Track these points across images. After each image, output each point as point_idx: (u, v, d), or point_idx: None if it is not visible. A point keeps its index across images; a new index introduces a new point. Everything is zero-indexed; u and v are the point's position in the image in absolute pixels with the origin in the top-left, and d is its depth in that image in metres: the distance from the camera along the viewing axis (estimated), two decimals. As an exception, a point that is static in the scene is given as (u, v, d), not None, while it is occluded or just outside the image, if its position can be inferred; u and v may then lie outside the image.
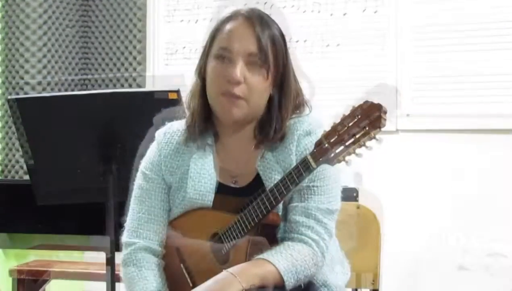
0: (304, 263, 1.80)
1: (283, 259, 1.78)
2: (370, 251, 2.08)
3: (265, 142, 1.89)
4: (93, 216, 2.06)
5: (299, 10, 3.64)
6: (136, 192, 1.99)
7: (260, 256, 1.79)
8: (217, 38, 1.86)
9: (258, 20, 1.84)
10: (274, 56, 1.84)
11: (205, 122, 1.92)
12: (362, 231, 1.99)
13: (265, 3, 3.64)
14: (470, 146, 3.33)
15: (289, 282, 1.78)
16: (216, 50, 1.85)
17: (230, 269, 1.75)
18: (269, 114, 1.88)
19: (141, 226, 1.96)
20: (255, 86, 1.84)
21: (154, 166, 1.96)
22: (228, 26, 1.85)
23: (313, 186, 1.85)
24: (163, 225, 1.96)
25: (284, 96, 1.88)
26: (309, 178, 1.80)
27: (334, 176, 1.88)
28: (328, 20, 3.59)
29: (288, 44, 1.90)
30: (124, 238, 1.98)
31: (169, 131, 1.97)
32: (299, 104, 1.92)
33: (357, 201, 2.51)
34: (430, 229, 3.39)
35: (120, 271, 1.99)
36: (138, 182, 1.99)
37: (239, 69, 1.81)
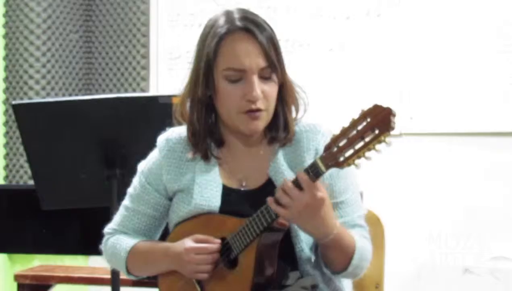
0: (367, 262, 1.89)
1: (364, 248, 1.85)
2: (375, 254, 2.07)
3: (276, 142, 1.90)
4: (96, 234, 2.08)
5: (302, 14, 3.64)
6: (130, 188, 2.02)
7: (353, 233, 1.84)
8: (222, 57, 1.82)
9: (256, 29, 1.81)
10: (277, 57, 1.84)
11: (209, 134, 1.92)
12: (366, 235, 1.99)
13: (268, 7, 3.65)
14: (473, 149, 3.33)
15: (352, 268, 1.84)
16: (225, 71, 1.82)
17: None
18: (275, 111, 1.89)
19: (123, 222, 2.01)
20: (271, 95, 1.84)
21: (151, 174, 1.96)
22: (231, 44, 1.81)
23: (341, 202, 1.89)
24: (147, 227, 1.99)
25: (285, 90, 1.88)
26: (333, 194, 1.86)
27: (354, 181, 1.92)
28: (331, 23, 3.59)
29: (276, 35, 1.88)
30: (105, 229, 2.04)
31: (171, 138, 1.96)
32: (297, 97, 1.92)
33: (361, 204, 2.51)
34: (434, 232, 3.38)
35: (104, 256, 2.03)
36: (135, 181, 2.01)
37: (258, 88, 1.81)
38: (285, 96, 1.89)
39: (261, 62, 1.81)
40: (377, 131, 1.64)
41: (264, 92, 1.82)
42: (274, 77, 1.84)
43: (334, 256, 1.83)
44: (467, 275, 3.32)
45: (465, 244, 3.35)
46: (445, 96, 3.37)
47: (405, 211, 3.40)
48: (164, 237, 2.03)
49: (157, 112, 2.27)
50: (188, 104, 1.90)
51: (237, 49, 1.81)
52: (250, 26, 1.81)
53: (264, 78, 1.82)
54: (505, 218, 3.27)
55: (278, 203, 1.73)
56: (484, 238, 3.30)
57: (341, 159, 1.68)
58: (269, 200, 1.75)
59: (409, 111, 3.42)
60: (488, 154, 3.31)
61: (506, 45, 3.26)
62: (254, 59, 1.80)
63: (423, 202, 3.40)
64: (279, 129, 1.89)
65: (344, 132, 1.68)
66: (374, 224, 2.17)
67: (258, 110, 1.83)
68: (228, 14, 1.85)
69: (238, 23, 1.82)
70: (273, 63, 1.81)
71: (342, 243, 1.80)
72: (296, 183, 1.72)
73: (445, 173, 3.38)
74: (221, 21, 1.83)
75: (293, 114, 1.92)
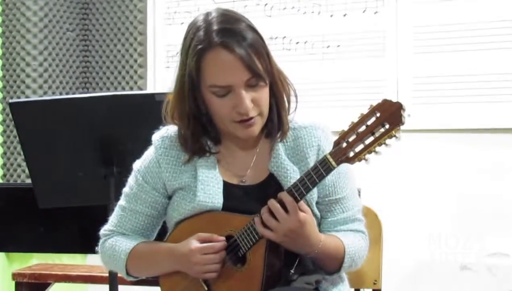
0: (360, 259, 1.93)
1: (355, 250, 1.89)
2: (372, 251, 2.07)
3: (273, 136, 1.89)
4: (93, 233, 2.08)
5: (299, 11, 3.64)
6: (126, 188, 2.00)
7: (339, 236, 1.88)
8: (205, 74, 1.80)
9: (234, 41, 1.76)
10: (262, 62, 1.80)
11: (204, 133, 1.90)
12: (364, 231, 2.00)
13: (265, 4, 3.65)
14: (471, 146, 3.33)
15: (344, 270, 1.90)
16: (211, 88, 1.80)
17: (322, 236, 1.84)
18: (269, 107, 1.87)
19: (120, 222, 1.99)
20: (262, 100, 1.82)
21: (149, 172, 1.95)
22: (211, 62, 1.77)
23: (342, 198, 1.91)
24: (145, 226, 1.98)
25: (275, 85, 1.86)
26: (335, 190, 1.89)
27: (352, 176, 1.95)
28: (328, 21, 3.59)
29: (262, 35, 1.83)
30: (102, 230, 2.02)
31: (167, 136, 1.95)
32: (289, 91, 1.91)
33: (359, 201, 2.51)
34: (432, 229, 3.39)
35: (100, 257, 2.03)
36: (131, 180, 1.99)
37: (246, 100, 1.78)
38: (276, 91, 1.87)
39: (244, 75, 1.77)
40: (387, 126, 1.65)
41: (254, 100, 1.80)
42: (262, 83, 1.81)
43: (323, 263, 1.88)
44: (465, 272, 3.33)
45: (463, 241, 3.35)
46: (444, 93, 3.37)
47: (403, 207, 3.40)
48: (160, 236, 2.03)
49: (154, 110, 2.26)
50: (177, 112, 1.88)
51: (218, 67, 1.78)
52: (227, 40, 1.76)
53: (252, 86, 1.80)
54: (502, 214, 3.27)
55: (264, 225, 1.76)
56: (481, 234, 3.30)
57: (351, 154, 1.70)
58: (256, 221, 1.78)
59: (407, 109, 3.41)
60: (487, 150, 3.31)
61: (504, 42, 3.26)
62: (236, 74, 1.77)
63: (422, 198, 3.40)
64: (274, 123, 1.89)
65: (353, 127, 1.69)
66: (372, 220, 2.17)
67: (252, 119, 1.82)
68: (207, 24, 1.79)
69: (216, 38, 1.77)
70: (256, 73, 1.78)
71: (329, 253, 1.85)
72: (282, 204, 1.75)
73: (443, 170, 3.38)
74: (201, 33, 1.79)
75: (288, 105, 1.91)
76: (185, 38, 1.84)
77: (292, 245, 1.80)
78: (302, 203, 1.77)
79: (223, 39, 1.76)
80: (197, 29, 1.81)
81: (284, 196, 1.75)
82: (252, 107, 1.80)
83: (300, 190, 1.76)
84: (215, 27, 1.78)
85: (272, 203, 1.76)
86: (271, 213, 1.76)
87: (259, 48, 1.79)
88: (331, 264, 1.88)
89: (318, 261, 1.86)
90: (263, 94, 1.82)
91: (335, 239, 1.87)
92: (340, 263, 1.87)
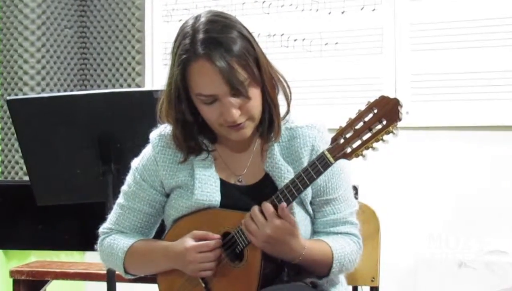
0: (351, 263, 1.92)
1: (344, 255, 1.88)
2: (370, 248, 2.08)
3: (267, 136, 1.89)
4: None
5: (297, 9, 3.64)
6: (124, 186, 2.01)
7: (327, 241, 1.88)
8: (190, 83, 1.79)
9: (218, 52, 1.73)
10: (249, 72, 1.77)
11: (196, 137, 1.90)
12: (362, 228, 2.00)
13: (263, 1, 3.64)
14: (470, 143, 3.34)
15: (333, 275, 1.90)
16: (198, 96, 1.79)
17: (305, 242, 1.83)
18: (262, 108, 1.86)
19: (119, 221, 2.00)
20: (251, 107, 1.81)
21: (146, 170, 1.95)
22: (195, 73, 1.76)
23: (334, 199, 1.90)
24: (143, 224, 1.99)
25: (267, 92, 1.84)
26: (326, 190, 1.88)
27: (347, 177, 1.94)
28: (326, 18, 3.59)
29: (254, 39, 1.81)
30: (100, 228, 2.02)
31: (164, 135, 1.95)
32: (284, 93, 1.89)
33: (356, 198, 2.51)
34: (430, 226, 3.39)
35: (99, 255, 2.03)
36: (129, 178, 2.00)
37: (232, 109, 1.77)
38: (268, 96, 1.85)
39: (227, 87, 1.75)
40: (385, 122, 1.67)
41: (242, 107, 1.79)
42: (249, 91, 1.78)
43: (311, 269, 1.87)
44: (463, 269, 3.33)
45: (461, 238, 3.35)
46: (442, 90, 3.37)
47: (401, 205, 3.40)
48: (159, 234, 2.03)
49: (152, 107, 2.27)
50: (169, 113, 1.88)
51: (202, 78, 1.77)
52: (211, 51, 1.73)
53: (239, 95, 1.78)
54: (501, 212, 3.27)
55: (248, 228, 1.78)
56: (480, 232, 3.31)
57: (349, 150, 1.70)
58: (243, 223, 1.79)
59: (405, 106, 3.40)
60: (486, 147, 3.31)
61: (503, 39, 3.26)
62: (219, 86, 1.75)
63: (420, 196, 3.40)
64: (266, 124, 1.88)
65: (351, 124, 1.70)
66: (369, 218, 2.18)
67: (241, 123, 1.81)
68: (194, 31, 1.77)
69: (200, 48, 1.74)
70: (236, 87, 1.75)
71: (315, 259, 1.85)
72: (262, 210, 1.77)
73: (442, 167, 3.38)
74: (186, 41, 1.77)
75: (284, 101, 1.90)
76: (174, 42, 1.82)
77: (274, 251, 1.80)
78: (286, 210, 1.76)
79: (206, 50, 1.74)
80: (184, 36, 1.79)
81: (263, 203, 1.77)
82: (240, 114, 1.79)
83: (297, 186, 1.76)
84: (201, 36, 1.76)
85: (253, 209, 1.77)
86: (252, 219, 1.78)
87: (245, 58, 1.76)
88: (319, 269, 1.88)
89: (304, 266, 1.86)
90: (252, 101, 1.80)
91: (322, 244, 1.87)
92: (328, 268, 1.87)
